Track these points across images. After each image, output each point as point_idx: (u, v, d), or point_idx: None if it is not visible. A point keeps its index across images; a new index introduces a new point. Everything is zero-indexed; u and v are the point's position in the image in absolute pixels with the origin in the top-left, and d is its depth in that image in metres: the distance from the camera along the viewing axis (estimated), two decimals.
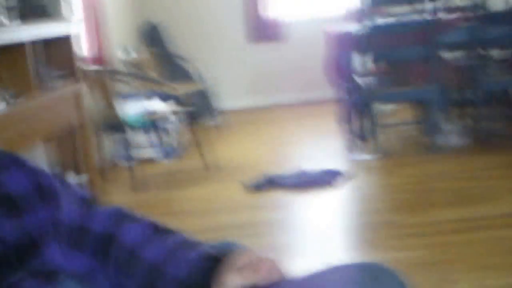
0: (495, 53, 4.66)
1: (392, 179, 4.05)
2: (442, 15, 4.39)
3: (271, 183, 4.10)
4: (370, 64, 4.34)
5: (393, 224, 3.23)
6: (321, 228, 3.36)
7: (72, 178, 3.80)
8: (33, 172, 1.02)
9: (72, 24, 3.88)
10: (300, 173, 4.22)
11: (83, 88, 4.04)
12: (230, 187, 4.23)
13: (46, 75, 3.59)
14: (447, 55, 4.53)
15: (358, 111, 4.73)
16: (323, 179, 4.04)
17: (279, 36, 6.95)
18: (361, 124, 4.78)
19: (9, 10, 3.22)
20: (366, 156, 4.49)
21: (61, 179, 1.10)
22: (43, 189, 1.01)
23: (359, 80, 4.60)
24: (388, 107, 5.64)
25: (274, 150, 5.14)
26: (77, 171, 3.88)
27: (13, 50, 3.14)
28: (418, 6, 4.59)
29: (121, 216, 1.12)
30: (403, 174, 4.10)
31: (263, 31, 6.94)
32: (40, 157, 3.76)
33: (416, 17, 4.42)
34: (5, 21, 3.09)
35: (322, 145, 5.08)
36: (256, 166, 4.63)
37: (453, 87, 4.50)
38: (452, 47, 4.44)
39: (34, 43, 3.28)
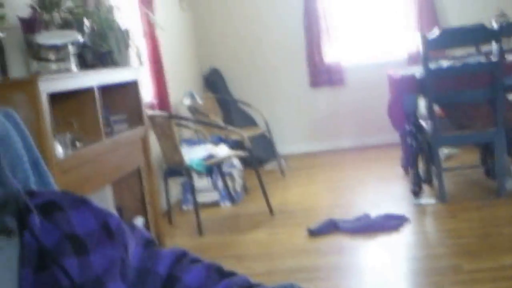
0: None
1: (457, 223, 3.95)
2: (506, 57, 4.32)
3: (333, 227, 4.07)
4: (433, 107, 4.29)
5: (458, 270, 3.15)
6: (385, 274, 3.30)
7: (137, 221, 3.86)
8: (101, 213, 1.03)
9: (138, 70, 4.00)
10: (363, 217, 4.17)
11: (149, 132, 4.13)
12: (292, 231, 4.22)
13: (113, 119, 3.70)
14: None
15: (422, 155, 4.67)
16: (387, 224, 3.99)
17: (340, 80, 6.97)
18: (425, 167, 4.71)
19: (78, 57, 3.35)
20: (429, 200, 4.41)
21: (127, 221, 1.12)
22: (110, 230, 1.02)
23: (423, 123, 4.55)
24: (450, 150, 5.56)
25: (337, 195, 5.11)
26: (142, 214, 3.94)
27: (82, 96, 3.26)
28: (482, 48, 4.55)
29: (185, 258, 1.13)
30: (467, 218, 4.00)
31: (325, 75, 6.97)
32: (106, 199, 3.84)
33: (479, 59, 4.36)
34: (74, 67, 3.22)
35: (385, 190, 5.02)
36: (319, 210, 4.60)
37: None
38: None
39: (102, 89, 3.38)
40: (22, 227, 0.92)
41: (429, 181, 4.72)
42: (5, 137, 2.31)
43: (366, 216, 4.17)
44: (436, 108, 4.44)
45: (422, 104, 4.56)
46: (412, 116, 4.48)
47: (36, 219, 0.93)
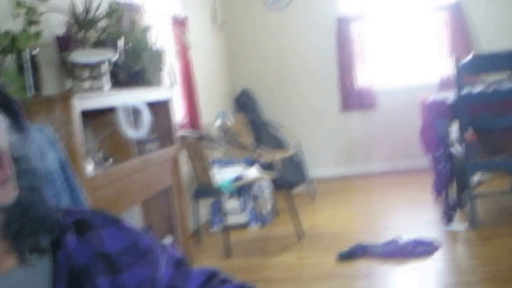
0: None
1: (488, 250, 3.88)
2: None
3: (363, 252, 4.03)
4: (465, 132, 4.25)
5: None
6: None
7: (165, 241, 3.86)
8: (132, 233, 1.05)
9: (171, 90, 4.03)
10: (393, 242, 4.12)
11: (180, 152, 4.15)
12: (321, 254, 4.18)
13: (144, 138, 3.72)
14: None
15: (453, 181, 4.61)
16: (417, 250, 3.93)
17: (371, 104, 6.95)
18: (456, 193, 4.65)
19: (111, 76, 3.39)
20: (460, 227, 4.34)
21: (158, 240, 1.13)
22: (141, 249, 1.04)
23: (454, 149, 4.50)
24: (481, 176, 5.47)
25: (367, 219, 5.06)
26: (171, 234, 3.94)
27: (114, 114, 3.28)
28: None
29: (215, 278, 1.14)
30: (499, 245, 3.92)
31: (356, 99, 6.95)
32: (135, 218, 3.86)
33: None
34: (107, 86, 3.25)
35: (415, 215, 4.96)
36: (348, 235, 4.56)
37: None
38: None
39: (134, 107, 3.40)
40: (55, 246, 0.94)
41: (460, 207, 4.64)
42: (40, 153, 2.34)
43: (396, 241, 4.12)
44: (469, 133, 4.39)
45: (454, 129, 4.51)
46: (444, 141, 4.42)
47: (71, 238, 0.96)
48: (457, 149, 4.46)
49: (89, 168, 2.95)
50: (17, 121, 0.92)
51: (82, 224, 0.99)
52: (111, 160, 3.24)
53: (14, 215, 0.88)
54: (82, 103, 2.84)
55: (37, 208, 0.92)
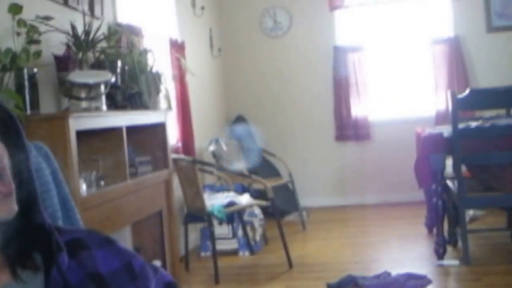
0: None
1: (480, 287, 3.86)
2: None
3: (353, 284, 3.99)
4: (460, 167, 4.25)
5: None
6: None
7: (155, 264, 3.82)
8: (125, 254, 1.06)
9: (166, 114, 4.03)
10: (383, 275, 4.09)
11: (173, 176, 4.13)
12: (311, 284, 4.15)
13: (138, 161, 3.71)
14: None
15: (447, 215, 4.60)
16: (407, 284, 3.90)
17: (366, 135, 6.96)
18: (450, 228, 4.64)
19: (108, 97, 3.39)
20: (453, 262, 4.31)
21: (149, 262, 1.14)
22: (134, 271, 1.05)
23: (449, 183, 4.50)
24: (475, 212, 5.48)
25: (358, 250, 5.03)
26: (160, 257, 3.91)
27: (109, 135, 3.28)
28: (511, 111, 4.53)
29: None
30: (492, 283, 3.90)
31: (351, 130, 6.97)
32: (125, 239, 3.83)
33: (509, 121, 4.32)
34: (103, 107, 3.25)
35: (407, 248, 4.94)
36: (338, 265, 4.53)
37: None
38: None
39: (129, 129, 3.40)
40: (49, 264, 0.95)
41: (453, 242, 4.63)
42: (37, 170, 2.31)
43: (387, 274, 4.09)
44: (464, 168, 4.40)
45: (449, 163, 4.51)
46: (439, 175, 4.42)
47: (65, 257, 0.97)
48: (451, 184, 4.46)
49: (82, 188, 2.94)
50: (17, 138, 0.94)
51: (76, 244, 1.01)
52: (104, 181, 3.23)
53: (10, 230, 0.90)
54: (79, 122, 2.84)
55: (32, 225, 0.94)
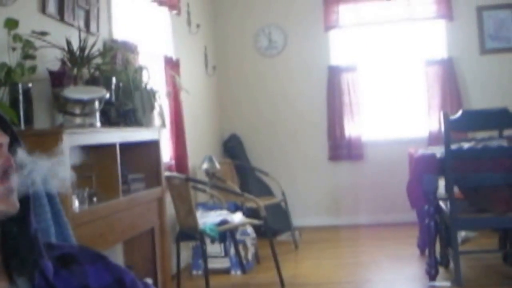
0: None
1: None
2: None
3: None
4: (453, 188, 4.26)
5: None
6: None
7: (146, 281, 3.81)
8: (116, 270, 1.07)
9: (160, 131, 4.03)
10: None
11: (165, 194, 4.13)
12: None
13: (131, 178, 3.71)
14: None
15: (439, 236, 4.61)
16: None
17: (360, 155, 6.98)
18: (442, 249, 4.64)
19: (102, 113, 3.39)
20: (445, 283, 4.31)
21: (141, 279, 1.15)
22: (125, 286, 1.06)
23: (442, 204, 4.50)
24: (468, 233, 5.48)
25: (349, 271, 5.02)
26: (152, 275, 3.90)
27: (103, 151, 3.28)
28: (504, 132, 4.54)
29: None
30: None
31: (345, 149, 7.00)
32: (117, 257, 3.82)
33: (501, 143, 4.35)
34: (97, 123, 3.25)
35: (399, 269, 4.94)
36: (331, 286, 4.53)
37: None
38: None
39: (122, 146, 3.40)
40: (33, 275, 0.96)
41: (445, 264, 4.63)
42: (32, 184, 2.31)
43: None
44: (456, 189, 4.40)
45: (442, 184, 4.52)
46: (431, 196, 4.43)
47: (49, 264, 0.98)
48: (444, 205, 4.46)
49: (75, 204, 2.93)
50: (15, 140, 0.99)
51: (68, 258, 1.02)
52: (96, 198, 3.22)
53: (7, 236, 0.95)
54: (72, 139, 2.83)
55: (25, 232, 0.96)
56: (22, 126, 2.80)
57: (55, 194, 2.38)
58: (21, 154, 0.99)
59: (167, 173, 4.47)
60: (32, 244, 0.97)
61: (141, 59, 4.53)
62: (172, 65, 5.36)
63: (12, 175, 0.94)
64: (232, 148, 7.04)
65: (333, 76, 7.01)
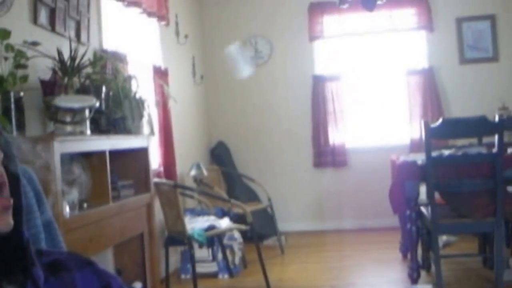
0: None
1: None
2: (507, 149, 4.43)
3: None
4: (434, 194, 4.36)
5: None
6: None
7: (135, 286, 3.88)
8: (105, 275, 1.09)
9: (149, 139, 4.11)
10: None
11: (154, 199, 4.20)
12: None
13: (121, 184, 3.78)
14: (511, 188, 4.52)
15: (421, 241, 4.71)
16: None
17: (343, 162, 7.12)
18: (423, 253, 4.74)
19: (92, 121, 3.47)
20: (426, 286, 4.41)
21: (131, 284, 1.19)
22: None
23: (423, 210, 4.61)
24: (449, 237, 5.60)
25: (334, 275, 5.11)
26: (141, 279, 3.96)
27: (93, 159, 3.36)
28: (483, 139, 4.65)
29: None
30: None
31: (329, 156, 7.12)
32: (106, 261, 3.88)
33: (481, 150, 4.46)
34: (88, 131, 3.32)
35: (382, 273, 5.04)
36: None
37: None
38: None
39: (112, 153, 3.48)
40: (25, 282, 0.97)
41: (427, 267, 4.73)
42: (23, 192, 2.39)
43: None
44: (437, 195, 4.50)
45: (423, 190, 4.62)
46: (412, 202, 4.54)
47: (40, 272, 0.99)
48: (425, 211, 4.57)
49: (65, 210, 3.00)
50: (10, 156, 0.99)
51: (57, 265, 1.04)
52: (86, 203, 3.29)
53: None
54: (63, 146, 2.90)
55: (17, 241, 0.97)
56: (14, 134, 2.85)
57: (44, 201, 2.46)
58: (14, 167, 0.99)
59: (155, 180, 4.55)
60: (24, 254, 0.97)
61: (131, 69, 4.61)
62: (160, 74, 5.45)
63: (6, 191, 0.93)
64: (219, 155, 7.14)
65: (318, 85, 7.15)
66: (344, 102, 7.15)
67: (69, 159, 3.16)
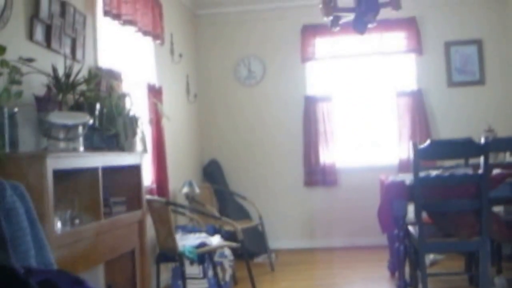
0: None
1: None
2: (493, 170, 4.50)
3: None
4: (421, 214, 4.42)
5: None
6: None
7: None
8: None
9: (142, 156, 4.15)
10: None
11: (146, 216, 4.23)
12: None
13: (113, 201, 3.82)
14: (497, 208, 4.58)
15: (409, 259, 4.76)
16: None
17: (334, 181, 7.21)
18: (411, 272, 4.79)
19: (86, 138, 3.50)
20: None
21: None
22: None
23: (411, 229, 4.66)
24: (436, 256, 5.65)
25: None
26: None
27: (86, 175, 3.39)
28: (470, 160, 4.73)
29: None
30: None
31: (319, 175, 7.20)
32: (97, 277, 3.90)
33: (467, 171, 4.53)
34: (81, 148, 3.36)
35: None
36: None
37: (504, 241, 4.50)
38: (502, 201, 4.50)
39: (105, 170, 3.52)
40: None
41: (414, 285, 4.77)
42: (12, 209, 2.43)
43: None
44: (425, 214, 4.56)
45: (411, 209, 4.68)
46: (400, 221, 4.59)
47: None
48: (413, 230, 4.62)
49: (57, 226, 3.02)
50: None
51: (48, 285, 1.09)
52: (78, 220, 3.32)
53: None
54: (56, 162, 2.92)
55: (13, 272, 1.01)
56: (7, 150, 2.87)
57: (35, 217, 2.50)
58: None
59: (148, 197, 4.60)
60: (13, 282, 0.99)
61: (125, 86, 4.66)
62: (155, 92, 5.51)
63: None
64: (212, 172, 7.20)
65: (309, 105, 7.25)
66: (335, 122, 7.24)
67: (62, 175, 3.20)
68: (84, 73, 3.89)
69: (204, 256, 5.04)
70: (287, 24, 7.40)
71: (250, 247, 6.15)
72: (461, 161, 5.04)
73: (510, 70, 7.04)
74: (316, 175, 7.21)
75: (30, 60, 3.25)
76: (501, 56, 7.09)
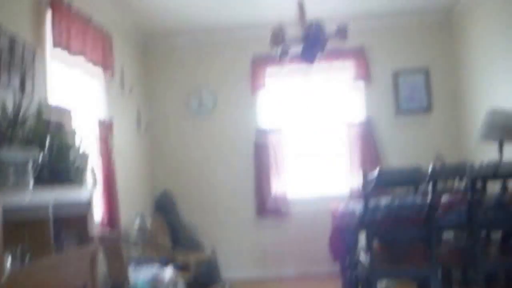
0: (495, 234, 4.80)
1: None
2: (441, 197, 4.62)
3: None
4: (371, 241, 4.49)
5: None
6: None
7: None
8: None
9: (92, 191, 4.13)
10: None
11: (98, 251, 4.19)
12: None
13: (64, 235, 3.77)
14: (447, 234, 4.68)
15: (361, 286, 4.81)
16: None
17: (285, 211, 7.26)
18: None
19: (35, 173, 3.47)
20: None
21: None
22: None
23: (362, 257, 4.73)
24: (388, 283, 5.72)
25: None
26: None
27: (35, 211, 3.35)
28: (419, 188, 4.84)
29: None
30: None
31: (271, 206, 7.24)
32: None
33: (416, 198, 4.63)
34: (31, 183, 3.32)
35: None
36: None
37: (454, 266, 4.60)
38: (451, 227, 4.60)
39: (55, 205, 3.48)
40: None
41: None
42: None
43: None
44: (376, 242, 4.64)
45: (362, 237, 4.75)
46: (352, 249, 4.66)
47: None
48: (364, 257, 4.69)
49: (7, 262, 2.98)
50: None
51: None
52: (29, 255, 3.27)
53: None
54: (5, 199, 2.90)
55: None
56: None
57: None
58: None
59: (99, 230, 4.56)
60: None
61: (75, 121, 4.64)
62: (105, 126, 5.50)
63: None
64: (164, 204, 7.17)
65: (260, 136, 7.32)
66: (286, 153, 7.32)
67: (12, 210, 3.16)
68: (34, 108, 3.87)
69: None
70: (237, 54, 7.49)
71: (204, 277, 6.13)
72: (411, 188, 5.14)
73: (456, 98, 7.23)
74: (268, 206, 7.26)
75: None
76: (448, 84, 7.28)
